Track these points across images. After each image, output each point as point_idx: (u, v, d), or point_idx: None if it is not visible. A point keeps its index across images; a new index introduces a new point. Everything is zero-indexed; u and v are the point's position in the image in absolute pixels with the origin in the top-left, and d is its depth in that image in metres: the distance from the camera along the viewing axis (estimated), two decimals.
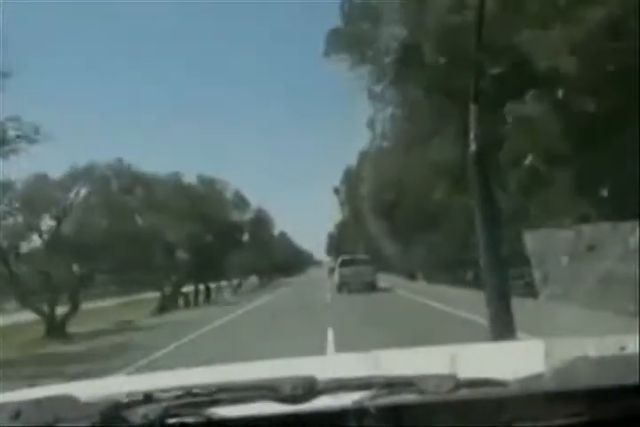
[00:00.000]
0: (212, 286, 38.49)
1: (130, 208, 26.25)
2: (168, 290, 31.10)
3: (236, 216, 42.34)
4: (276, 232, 67.33)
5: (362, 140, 33.79)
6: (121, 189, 26.28)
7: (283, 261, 68.32)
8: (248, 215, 45.98)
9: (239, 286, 47.74)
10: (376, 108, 18.15)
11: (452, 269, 22.78)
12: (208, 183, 37.83)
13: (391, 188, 23.77)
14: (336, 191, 59.40)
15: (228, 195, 41.57)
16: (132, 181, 26.71)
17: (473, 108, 2.44)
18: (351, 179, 43.62)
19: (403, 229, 25.09)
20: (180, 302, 32.37)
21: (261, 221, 49.04)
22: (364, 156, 32.38)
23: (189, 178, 35.74)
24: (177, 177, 33.69)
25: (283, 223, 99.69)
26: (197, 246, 32.34)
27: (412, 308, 16.61)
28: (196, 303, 33.34)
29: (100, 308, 30.11)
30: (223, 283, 44.03)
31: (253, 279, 56.90)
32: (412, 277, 32.46)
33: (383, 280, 29.23)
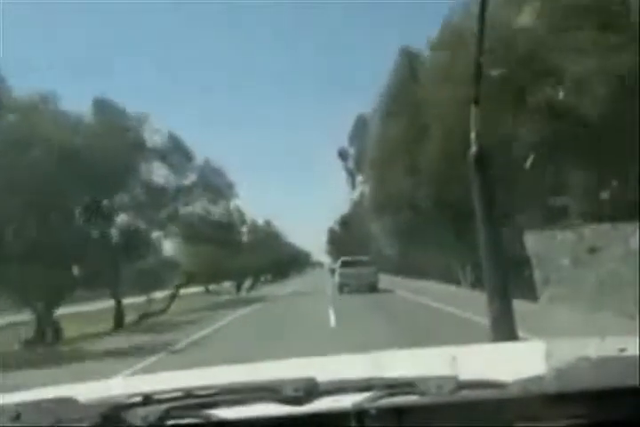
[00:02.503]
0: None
1: None
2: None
3: (165, 177, 21.74)
4: (259, 221, 48.71)
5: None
6: None
7: (270, 260, 48.01)
8: (190, 178, 23.58)
9: (173, 297, 24.66)
10: None
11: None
12: (108, 111, 18.94)
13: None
14: (342, 155, 38.56)
15: (154, 137, 20.71)
16: None
17: (473, 109, 2.45)
18: (365, 134, 26.22)
19: (441, 212, 16.57)
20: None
21: (212, 188, 24.89)
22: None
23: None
24: None
25: (281, 223, 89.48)
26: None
27: None
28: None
29: None
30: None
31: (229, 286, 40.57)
32: (456, 282, 22.00)
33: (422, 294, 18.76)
